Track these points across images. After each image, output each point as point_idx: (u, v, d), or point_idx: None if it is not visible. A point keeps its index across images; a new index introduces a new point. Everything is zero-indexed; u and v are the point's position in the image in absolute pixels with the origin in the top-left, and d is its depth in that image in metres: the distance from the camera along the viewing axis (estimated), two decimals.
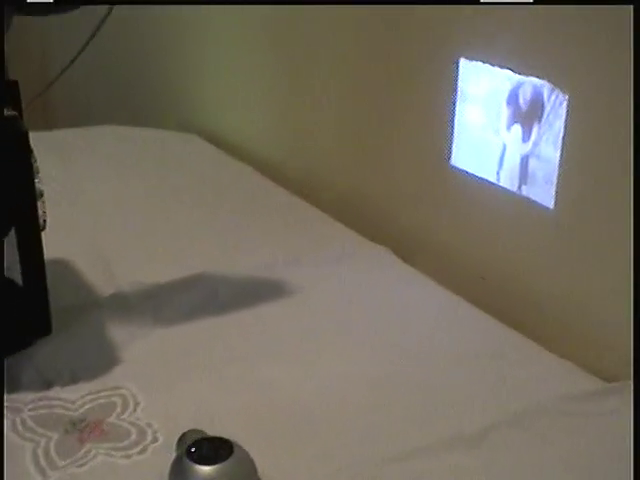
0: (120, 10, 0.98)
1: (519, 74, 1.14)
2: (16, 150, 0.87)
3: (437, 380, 1.01)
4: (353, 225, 1.39)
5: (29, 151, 0.87)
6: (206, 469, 0.78)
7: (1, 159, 0.86)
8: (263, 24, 1.67)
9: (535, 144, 1.13)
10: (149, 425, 0.92)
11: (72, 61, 0.97)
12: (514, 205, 1.18)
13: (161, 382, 0.99)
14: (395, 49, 1.35)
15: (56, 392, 0.96)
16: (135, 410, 0.94)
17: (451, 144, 1.26)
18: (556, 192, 1.11)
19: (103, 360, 1.02)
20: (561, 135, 1.09)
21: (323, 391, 0.98)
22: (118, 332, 1.07)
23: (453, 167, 1.27)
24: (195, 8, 1.85)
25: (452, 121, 1.25)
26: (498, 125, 1.18)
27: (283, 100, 1.68)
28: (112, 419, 0.92)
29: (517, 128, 1.15)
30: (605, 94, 1.04)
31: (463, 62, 1.22)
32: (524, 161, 1.15)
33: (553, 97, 1.09)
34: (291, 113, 1.66)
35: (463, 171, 1.25)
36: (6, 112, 0.90)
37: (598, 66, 1.04)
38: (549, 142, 1.11)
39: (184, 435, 0.85)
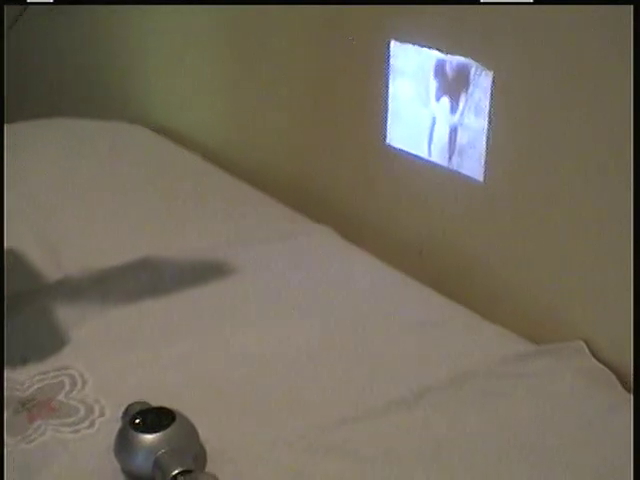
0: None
1: (446, 53, 1.18)
2: None
3: (375, 349, 1.06)
4: (297, 207, 1.42)
5: None
6: (149, 437, 0.82)
7: None
8: (209, 15, 1.69)
9: (462, 115, 1.17)
10: (96, 401, 0.95)
11: None
12: (446, 179, 1.22)
13: (107, 360, 1.02)
14: (331, 37, 1.39)
15: (6, 374, 0.99)
16: (83, 388, 0.97)
17: (386, 125, 1.30)
18: (485, 164, 1.15)
19: (52, 342, 1.05)
20: (487, 109, 1.13)
21: (263, 362, 1.02)
22: (67, 315, 1.10)
23: (389, 146, 1.31)
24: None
25: (386, 102, 1.29)
26: (427, 98, 1.22)
27: (227, 89, 1.71)
28: (61, 397, 0.96)
29: (445, 100, 1.19)
30: (528, 70, 1.08)
31: (394, 44, 1.26)
32: (453, 133, 1.19)
33: (477, 73, 1.13)
34: (235, 101, 1.69)
35: (398, 149, 1.29)
36: None
37: (520, 44, 1.08)
38: (475, 115, 1.15)
39: (128, 407, 0.88)
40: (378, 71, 1.28)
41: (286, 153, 1.57)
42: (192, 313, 1.12)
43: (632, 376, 0.98)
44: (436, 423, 0.93)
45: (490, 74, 1.12)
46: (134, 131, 1.82)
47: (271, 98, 1.57)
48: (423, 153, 1.25)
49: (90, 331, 1.08)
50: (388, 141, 1.31)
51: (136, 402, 0.89)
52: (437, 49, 1.19)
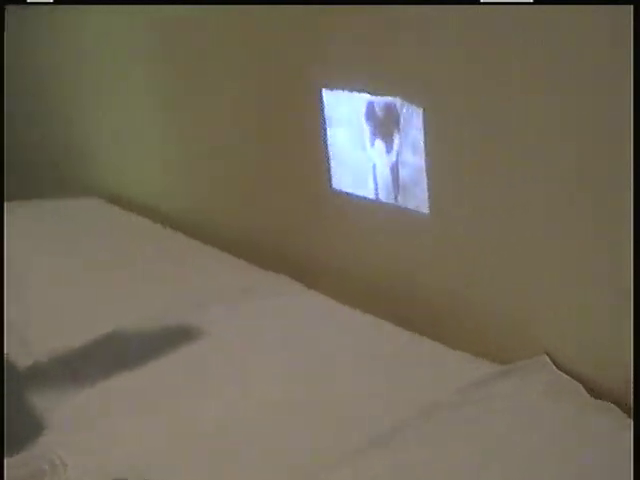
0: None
1: (375, 95, 1.21)
2: None
3: (345, 390, 1.08)
4: (252, 259, 1.45)
5: None
6: None
7: None
8: (148, 85, 1.73)
9: (398, 154, 1.20)
10: None
11: None
12: (393, 215, 1.25)
13: (85, 441, 1.04)
14: (266, 90, 1.43)
15: None
16: (65, 472, 0.98)
17: (329, 169, 1.33)
18: (429, 196, 1.19)
19: (29, 429, 1.06)
20: (421, 143, 1.17)
21: (235, 421, 1.04)
22: (40, 400, 1.12)
23: (335, 190, 1.34)
24: (88, 73, 1.89)
25: (327, 149, 1.32)
26: (363, 143, 1.25)
27: (172, 154, 1.74)
28: None
29: (380, 143, 1.23)
30: (458, 103, 1.12)
31: (325, 92, 1.29)
32: (393, 172, 1.22)
33: (406, 110, 1.16)
34: (181, 160, 1.72)
35: (343, 192, 1.33)
36: None
37: (449, 79, 1.12)
38: (410, 151, 1.19)
39: None
40: (314, 119, 1.32)
41: (236, 206, 1.60)
42: (164, 382, 1.14)
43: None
44: (416, 455, 0.95)
45: (420, 110, 1.15)
46: (90, 204, 1.84)
47: (216, 152, 1.61)
48: (369, 193, 1.28)
49: (65, 413, 1.09)
50: (334, 185, 1.34)
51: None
52: (366, 92, 1.22)
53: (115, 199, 1.86)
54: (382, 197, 1.26)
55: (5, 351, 1.23)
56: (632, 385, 0.95)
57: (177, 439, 1.02)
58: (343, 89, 1.26)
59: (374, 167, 1.26)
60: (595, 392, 1.03)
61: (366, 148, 1.25)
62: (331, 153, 1.32)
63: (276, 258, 1.45)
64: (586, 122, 0.97)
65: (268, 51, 1.38)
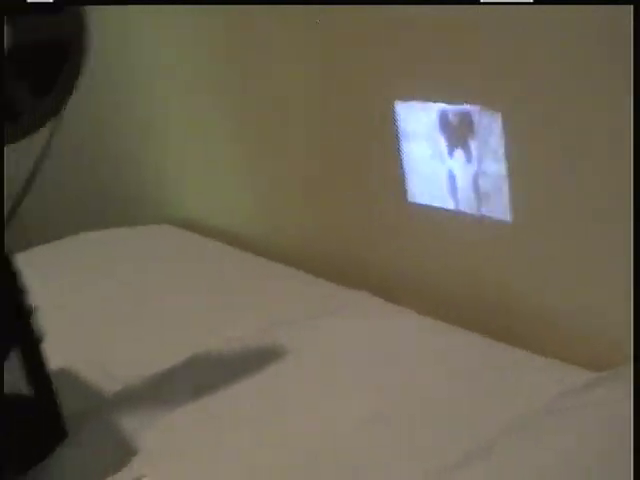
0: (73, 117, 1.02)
1: (450, 104, 1.20)
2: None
3: (435, 405, 1.06)
4: (331, 278, 1.44)
5: (13, 273, 0.92)
6: None
7: None
8: (220, 109, 1.74)
9: (478, 163, 1.19)
10: None
11: (30, 179, 1.02)
12: (475, 226, 1.24)
13: (180, 465, 1.03)
14: (340, 104, 1.42)
15: None
16: None
17: (404, 182, 1.32)
18: (511, 204, 1.17)
19: (119, 455, 1.06)
20: (501, 150, 1.15)
21: (336, 440, 1.03)
22: (130, 425, 1.11)
23: (411, 203, 1.33)
24: (154, 107, 1.91)
25: (401, 160, 1.31)
26: (441, 154, 1.24)
27: (243, 169, 1.73)
28: None
29: (459, 152, 1.22)
30: (538, 106, 1.10)
31: (399, 104, 1.28)
32: (474, 181, 1.21)
33: (484, 117, 1.15)
34: (256, 187, 1.72)
35: (421, 204, 1.31)
36: None
37: (527, 82, 1.11)
38: (490, 159, 1.17)
39: None
40: (388, 132, 1.31)
41: (313, 226, 1.59)
42: (254, 400, 1.13)
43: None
44: (515, 467, 0.92)
45: (498, 116, 1.14)
46: (161, 231, 1.85)
47: (290, 172, 1.60)
48: (448, 205, 1.26)
49: (155, 437, 1.09)
50: (410, 198, 1.32)
51: None
52: (441, 101, 1.21)
53: (188, 225, 1.86)
54: (463, 207, 1.25)
55: (88, 379, 1.24)
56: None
57: (279, 456, 1.01)
58: (417, 100, 1.25)
59: (453, 178, 1.24)
60: None
61: (444, 159, 1.24)
62: (407, 166, 1.31)
63: (355, 275, 1.44)
64: None
65: (343, 67, 1.37)
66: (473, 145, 1.19)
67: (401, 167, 1.32)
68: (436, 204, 1.29)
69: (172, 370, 1.22)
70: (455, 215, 1.26)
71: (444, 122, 1.22)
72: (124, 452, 1.06)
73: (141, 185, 2.07)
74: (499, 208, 1.19)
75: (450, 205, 1.27)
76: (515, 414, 0.99)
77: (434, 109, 1.23)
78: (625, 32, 0.93)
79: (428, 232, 1.33)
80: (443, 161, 1.25)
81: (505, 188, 1.17)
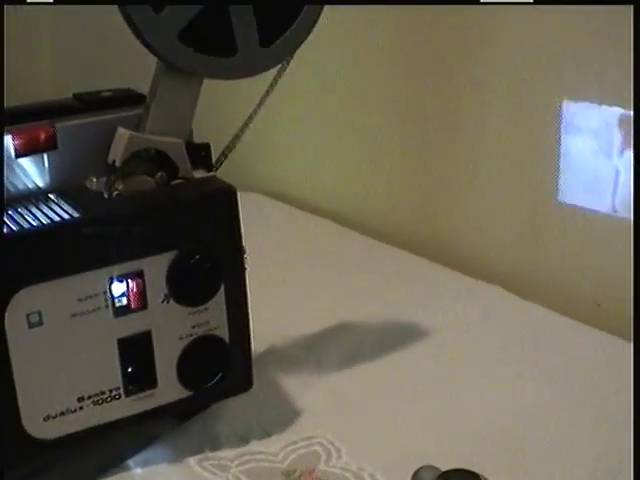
0: None
1: (628, 109, 1.20)
2: (227, 208, 0.90)
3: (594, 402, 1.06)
4: (462, 269, 1.42)
5: (237, 209, 0.90)
6: None
7: (214, 218, 0.89)
8: (324, 83, 1.71)
9: None
10: (361, 469, 0.94)
11: (253, 114, 1.00)
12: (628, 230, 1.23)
13: (349, 427, 1.01)
14: (496, 92, 1.40)
15: (255, 446, 0.98)
16: (340, 456, 0.96)
17: (557, 180, 1.31)
18: None
19: (287, 412, 1.04)
20: None
21: (514, 419, 1.02)
22: (291, 384, 1.10)
23: (562, 203, 1.32)
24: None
25: (558, 159, 1.30)
26: (610, 152, 1.24)
27: (357, 142, 1.70)
28: (322, 467, 0.94)
29: (630, 153, 1.21)
30: None
31: (567, 103, 1.28)
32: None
33: None
34: (359, 165, 1.70)
35: (573, 205, 1.31)
36: (203, 174, 0.94)
37: None
38: None
39: (417, 473, 0.87)
40: (550, 131, 1.30)
41: (438, 215, 1.57)
42: (406, 375, 1.12)
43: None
44: None
45: None
46: (254, 200, 1.81)
47: (413, 153, 1.57)
48: (605, 208, 1.26)
49: (315, 399, 1.07)
50: (561, 198, 1.32)
51: (424, 466, 0.87)
52: (618, 105, 1.21)
53: (281, 197, 1.83)
54: (620, 210, 1.24)
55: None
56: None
57: (446, 428, 1.01)
58: (590, 101, 1.24)
59: (617, 178, 1.24)
60: None
61: (612, 157, 1.23)
62: (563, 164, 1.30)
63: (485, 269, 1.43)
64: None
65: (503, 65, 1.37)
66: None
67: (557, 165, 1.31)
68: (592, 206, 1.28)
69: (322, 336, 1.21)
70: (611, 219, 1.26)
71: (623, 123, 1.21)
72: (289, 411, 1.05)
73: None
74: None
75: (607, 208, 1.26)
76: None
77: (609, 111, 1.22)
78: None
79: (579, 234, 1.32)
80: (609, 159, 1.24)
81: None
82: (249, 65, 0.90)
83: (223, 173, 0.96)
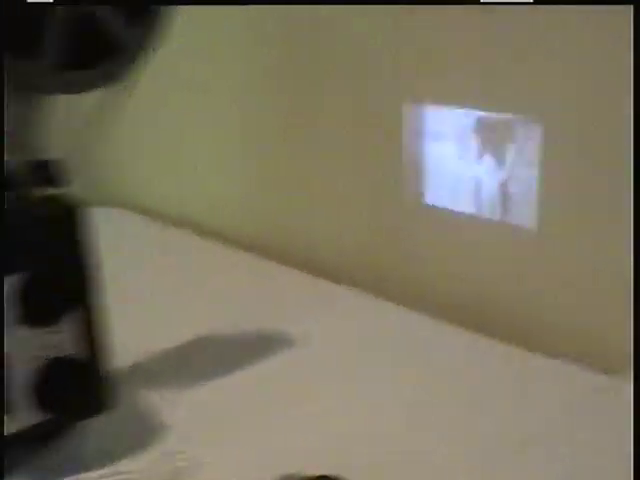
0: None
1: (487, 111, 1.23)
2: (72, 226, 0.88)
3: (464, 409, 1.07)
4: (331, 277, 1.43)
5: (83, 226, 0.89)
6: None
7: (62, 236, 0.87)
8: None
9: (509, 170, 1.22)
10: None
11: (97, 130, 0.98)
12: (496, 231, 1.26)
13: (214, 440, 1.00)
14: (360, 100, 1.42)
15: (121, 465, 0.96)
16: (201, 470, 0.95)
17: (422, 184, 1.33)
18: (538, 213, 1.20)
19: (151, 429, 1.03)
20: (537, 161, 1.18)
21: (373, 419, 1.04)
22: (154, 400, 1.08)
23: (429, 205, 1.34)
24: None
25: (421, 162, 1.32)
26: (469, 158, 1.26)
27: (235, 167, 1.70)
28: None
29: (489, 158, 1.24)
30: (576, 115, 1.14)
31: (425, 107, 1.30)
32: (501, 188, 1.23)
33: (524, 127, 1.18)
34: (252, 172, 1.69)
35: (440, 208, 1.33)
36: (53, 190, 0.92)
37: (567, 90, 1.14)
38: (521, 168, 1.20)
39: None
40: (412, 135, 1.32)
41: (314, 221, 1.58)
42: (275, 386, 1.12)
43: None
44: (553, 465, 0.95)
45: (539, 127, 1.17)
46: (115, 216, 1.79)
47: (288, 168, 1.58)
48: (471, 209, 1.28)
49: (179, 414, 1.06)
50: (428, 201, 1.34)
51: (284, 476, 0.87)
52: (475, 108, 1.23)
53: (146, 211, 1.82)
54: (486, 213, 1.27)
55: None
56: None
57: (307, 434, 1.01)
58: (451, 105, 1.27)
59: (479, 182, 1.26)
60: None
61: (472, 163, 1.26)
62: (428, 168, 1.32)
63: (357, 274, 1.44)
64: None
65: (367, 66, 1.38)
66: (507, 152, 1.21)
67: (422, 169, 1.33)
68: (457, 208, 1.30)
69: (184, 347, 1.20)
70: (477, 220, 1.28)
71: (479, 127, 1.24)
72: (152, 427, 1.03)
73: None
74: (523, 215, 1.22)
75: (473, 210, 1.28)
76: (547, 418, 1.02)
77: (468, 114, 1.25)
78: None
79: (445, 236, 1.34)
80: (469, 165, 1.26)
81: (533, 197, 1.20)
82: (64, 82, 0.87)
83: (83, 189, 0.94)
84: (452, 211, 1.31)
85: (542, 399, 1.07)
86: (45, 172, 0.92)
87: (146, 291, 1.42)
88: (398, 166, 1.37)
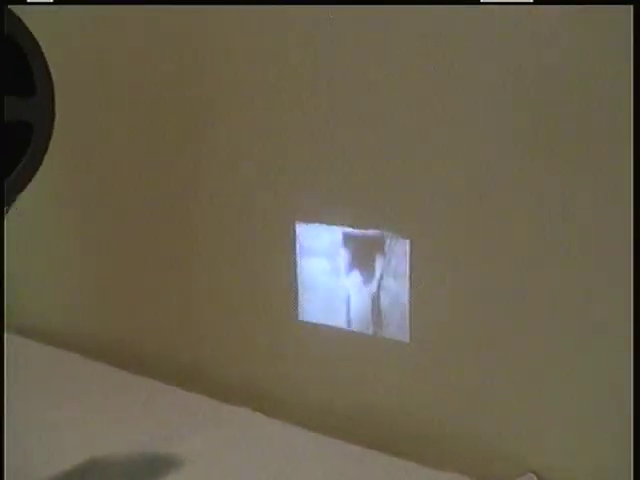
0: None
1: (355, 227, 1.27)
2: None
3: None
4: (209, 393, 1.43)
5: None
6: None
7: None
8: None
9: (379, 284, 1.25)
10: None
11: None
12: (370, 345, 1.28)
13: None
14: (235, 218, 1.44)
15: None
16: None
17: (297, 300, 1.36)
18: (410, 324, 1.23)
19: None
20: (405, 274, 1.22)
21: None
22: None
23: (302, 321, 1.36)
24: None
25: (295, 279, 1.35)
26: (339, 273, 1.30)
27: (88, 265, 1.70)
28: None
29: (357, 273, 1.27)
30: (443, 234, 1.19)
31: (299, 225, 1.33)
32: (373, 301, 1.26)
33: (392, 242, 1.22)
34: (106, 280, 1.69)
35: (313, 323, 1.35)
36: None
37: (433, 207, 1.19)
38: (394, 280, 1.23)
39: None
40: (285, 251, 1.35)
41: (186, 337, 1.58)
42: None
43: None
44: None
45: (407, 242, 1.21)
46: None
47: (156, 280, 1.59)
48: (343, 324, 1.31)
49: None
50: (301, 317, 1.36)
51: None
52: (345, 225, 1.27)
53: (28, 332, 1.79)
54: (358, 327, 1.29)
55: None
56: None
57: None
58: (320, 222, 1.30)
59: (348, 296, 1.29)
60: None
61: (342, 278, 1.29)
62: (301, 284, 1.35)
63: (235, 391, 1.44)
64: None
65: (239, 183, 1.42)
66: (376, 267, 1.25)
67: (295, 285, 1.35)
68: (332, 323, 1.33)
69: (66, 474, 1.17)
70: (349, 334, 1.31)
71: (348, 243, 1.27)
72: None
73: None
74: (396, 327, 1.25)
75: (345, 324, 1.31)
76: None
77: (337, 230, 1.29)
78: None
79: (319, 351, 1.36)
80: (340, 279, 1.30)
81: (405, 310, 1.23)
82: None
83: None
84: (325, 325, 1.34)
85: None
86: None
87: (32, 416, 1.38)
88: (271, 282, 1.40)
